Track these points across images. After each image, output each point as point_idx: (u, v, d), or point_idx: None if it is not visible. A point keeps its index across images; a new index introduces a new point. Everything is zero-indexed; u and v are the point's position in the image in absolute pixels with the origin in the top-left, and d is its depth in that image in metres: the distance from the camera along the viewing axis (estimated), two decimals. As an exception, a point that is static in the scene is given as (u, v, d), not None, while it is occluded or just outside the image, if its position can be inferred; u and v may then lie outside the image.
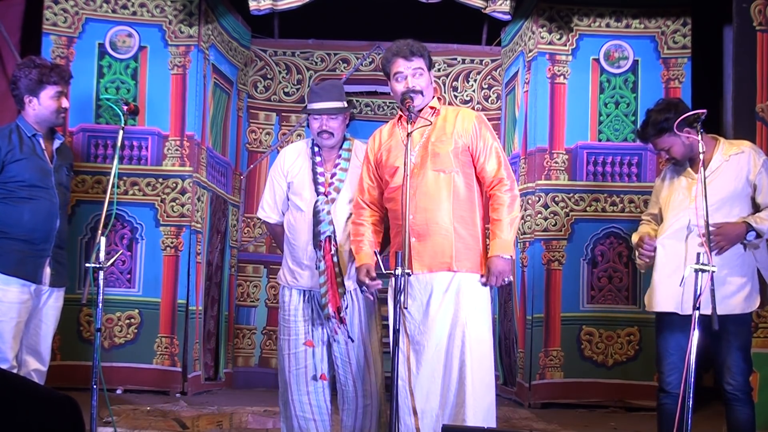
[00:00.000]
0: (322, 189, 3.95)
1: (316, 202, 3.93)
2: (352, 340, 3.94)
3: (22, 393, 1.87)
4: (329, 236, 3.90)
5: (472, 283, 3.68)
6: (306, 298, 3.99)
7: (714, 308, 3.40)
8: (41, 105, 4.11)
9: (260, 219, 4.29)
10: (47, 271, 4.11)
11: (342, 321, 3.91)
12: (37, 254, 4.07)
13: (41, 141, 4.14)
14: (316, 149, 4.05)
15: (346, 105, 4.03)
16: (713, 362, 3.94)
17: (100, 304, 3.63)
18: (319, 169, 4.00)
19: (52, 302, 4.18)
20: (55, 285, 4.17)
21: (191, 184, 6.03)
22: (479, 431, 3.47)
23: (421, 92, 3.71)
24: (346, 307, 3.92)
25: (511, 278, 3.80)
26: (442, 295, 3.64)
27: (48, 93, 4.10)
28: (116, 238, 5.97)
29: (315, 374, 3.98)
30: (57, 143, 4.23)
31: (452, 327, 3.62)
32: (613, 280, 6.09)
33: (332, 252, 3.90)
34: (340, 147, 4.05)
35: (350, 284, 3.95)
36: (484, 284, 3.67)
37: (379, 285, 3.77)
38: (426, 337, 3.62)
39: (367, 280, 3.73)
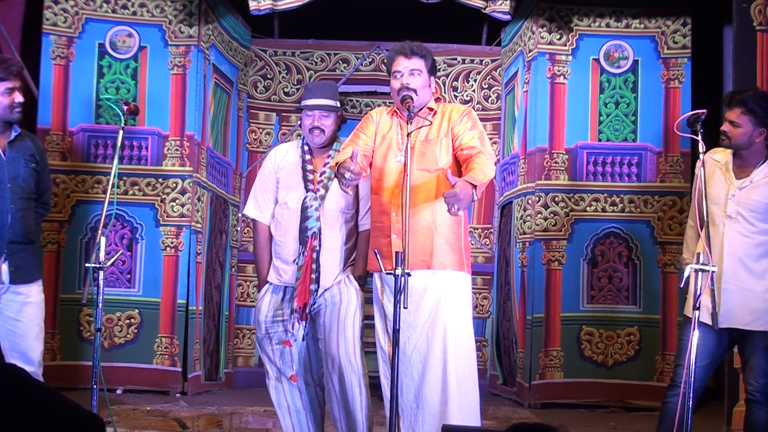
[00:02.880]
0: (311, 186, 3.97)
1: (305, 198, 3.94)
2: (303, 339, 3.94)
3: (47, 406, 1.85)
4: (315, 232, 3.91)
5: (453, 281, 3.67)
6: (288, 295, 3.98)
7: (714, 307, 3.40)
8: None
9: (247, 216, 4.27)
10: (3, 267, 3.98)
11: (304, 318, 3.91)
12: None
13: None
14: (306, 148, 4.06)
15: (339, 105, 4.06)
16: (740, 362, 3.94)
17: (100, 304, 3.63)
18: (309, 167, 4.01)
19: (22, 298, 4.03)
20: (17, 281, 4.02)
21: (191, 184, 6.03)
22: (479, 431, 3.47)
23: (415, 91, 3.71)
24: (314, 305, 3.90)
25: (461, 212, 3.53)
26: (421, 293, 3.63)
27: None
28: (116, 238, 5.97)
29: (286, 375, 3.97)
30: (12, 135, 4.07)
31: (432, 326, 3.62)
32: (613, 280, 6.09)
33: (315, 248, 3.90)
34: (331, 147, 4.06)
35: (334, 282, 3.95)
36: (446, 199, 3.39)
37: (358, 176, 3.50)
38: (405, 336, 3.61)
39: (347, 173, 3.43)
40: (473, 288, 4.76)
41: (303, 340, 3.96)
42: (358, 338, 3.97)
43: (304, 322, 3.92)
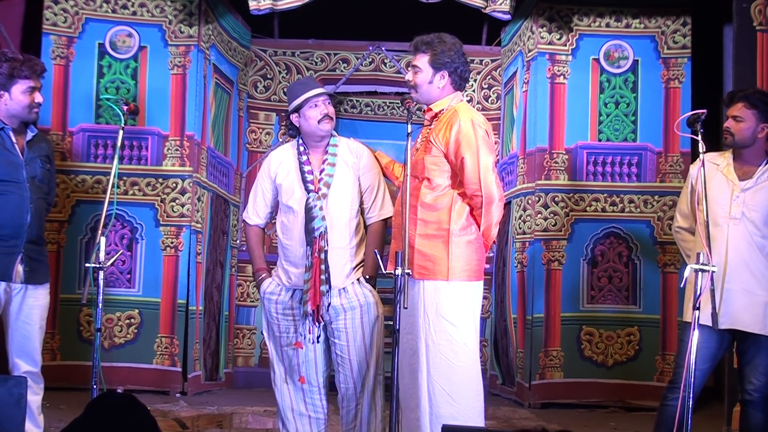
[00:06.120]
0: (311, 186, 3.91)
1: (308, 199, 3.89)
2: (318, 342, 3.94)
3: None
4: (322, 233, 3.86)
5: (430, 290, 3.66)
6: (298, 297, 3.97)
7: (714, 308, 3.40)
8: (13, 100, 3.97)
9: (245, 221, 4.26)
10: (19, 268, 3.95)
11: (319, 321, 3.89)
12: (7, 251, 3.92)
13: (11, 134, 4.00)
14: (302, 149, 4.01)
15: None
16: (738, 362, 3.94)
17: (100, 304, 3.63)
18: (307, 168, 3.94)
19: (32, 301, 4.03)
20: (31, 282, 4.01)
21: (191, 184, 6.03)
22: (479, 431, 3.47)
23: (414, 87, 3.76)
24: (329, 306, 3.88)
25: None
26: (406, 298, 3.62)
27: (19, 88, 3.96)
28: (116, 238, 5.97)
29: (295, 376, 3.97)
30: (29, 135, 4.08)
31: (409, 332, 3.66)
32: (613, 280, 6.09)
33: (323, 248, 3.87)
34: (327, 143, 4.00)
35: (347, 283, 3.94)
36: None
37: None
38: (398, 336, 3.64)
39: None
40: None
41: (318, 342, 3.95)
42: (379, 343, 3.97)
43: (317, 324, 3.91)
